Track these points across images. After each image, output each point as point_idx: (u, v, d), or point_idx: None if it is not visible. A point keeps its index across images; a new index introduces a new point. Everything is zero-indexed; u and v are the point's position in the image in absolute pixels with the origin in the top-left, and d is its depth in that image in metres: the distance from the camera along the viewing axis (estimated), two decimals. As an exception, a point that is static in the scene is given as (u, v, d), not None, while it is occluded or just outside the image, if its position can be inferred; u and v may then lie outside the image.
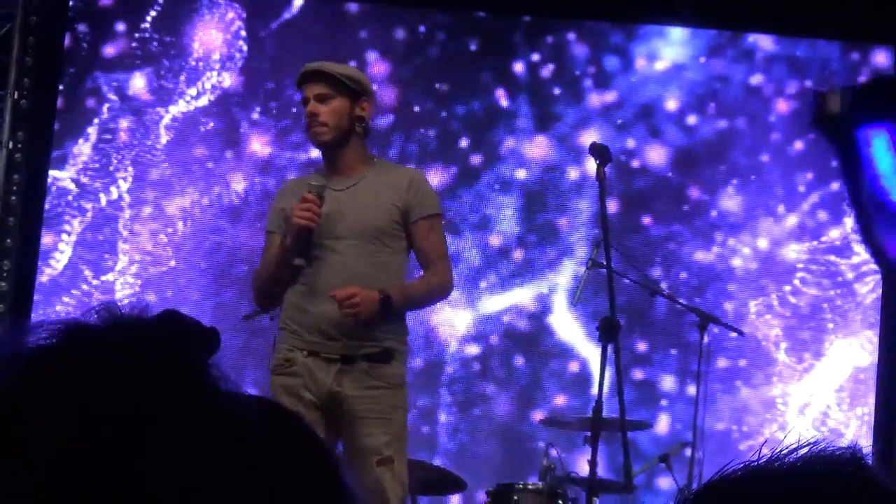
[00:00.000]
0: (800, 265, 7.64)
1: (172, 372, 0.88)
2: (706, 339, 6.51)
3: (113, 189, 7.69)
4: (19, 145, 7.40)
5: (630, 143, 7.73)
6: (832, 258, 7.62)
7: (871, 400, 7.42)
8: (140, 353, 0.89)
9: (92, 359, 0.87)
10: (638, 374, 7.55)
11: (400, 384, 4.85)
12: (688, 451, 6.43)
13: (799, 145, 7.71)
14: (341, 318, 4.73)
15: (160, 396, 0.87)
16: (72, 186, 7.64)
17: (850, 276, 7.60)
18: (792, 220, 7.67)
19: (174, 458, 0.86)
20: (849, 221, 7.53)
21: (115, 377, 0.86)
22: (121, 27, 7.79)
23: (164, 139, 7.72)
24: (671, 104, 7.76)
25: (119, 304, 0.93)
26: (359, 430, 4.73)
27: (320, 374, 4.77)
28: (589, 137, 7.06)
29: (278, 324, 5.01)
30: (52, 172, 7.58)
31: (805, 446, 1.03)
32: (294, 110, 7.57)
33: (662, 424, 7.48)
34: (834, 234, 7.64)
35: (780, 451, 1.04)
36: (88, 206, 7.67)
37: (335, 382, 4.75)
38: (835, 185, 7.65)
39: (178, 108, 7.75)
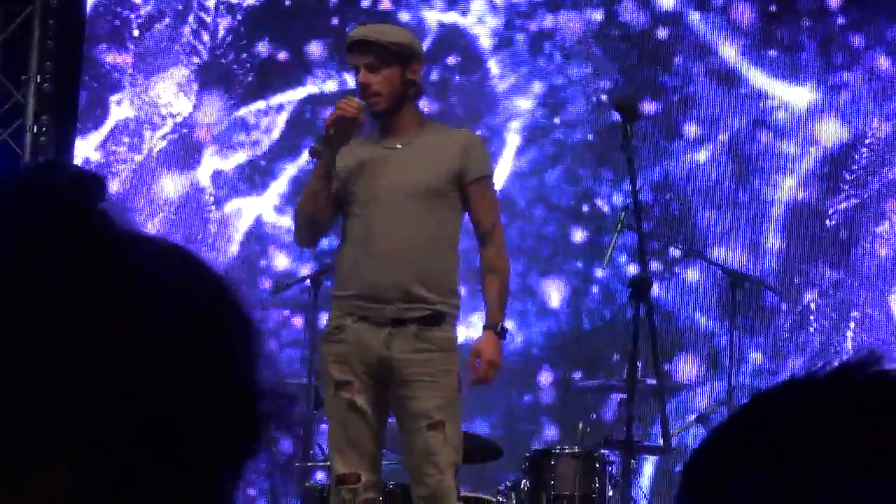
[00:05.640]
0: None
1: (57, 218, 0.85)
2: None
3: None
4: (44, 129, 7.40)
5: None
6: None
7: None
8: (21, 201, 0.85)
9: None
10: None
11: (451, 348, 4.77)
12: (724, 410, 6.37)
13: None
14: (393, 279, 4.68)
15: (47, 240, 0.83)
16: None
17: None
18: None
19: (66, 307, 0.82)
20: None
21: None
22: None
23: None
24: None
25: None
26: (408, 393, 4.67)
27: (370, 339, 4.70)
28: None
29: (330, 291, 4.97)
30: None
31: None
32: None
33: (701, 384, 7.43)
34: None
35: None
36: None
37: (384, 346, 4.69)
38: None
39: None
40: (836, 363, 0.87)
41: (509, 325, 5.13)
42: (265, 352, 0.92)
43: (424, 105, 5.58)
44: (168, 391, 0.85)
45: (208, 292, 0.91)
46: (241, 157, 7.88)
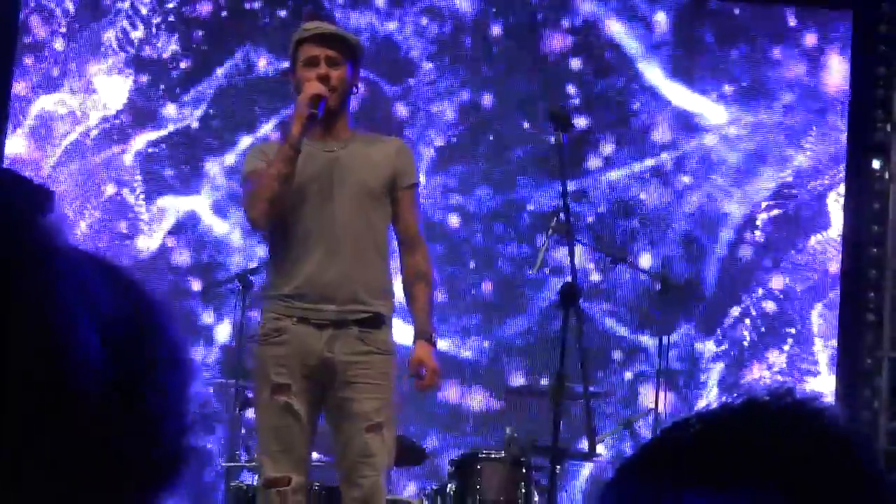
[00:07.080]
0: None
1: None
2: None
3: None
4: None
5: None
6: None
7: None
8: None
9: None
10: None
11: (391, 351, 4.78)
12: (651, 418, 6.43)
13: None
14: (338, 278, 4.68)
15: None
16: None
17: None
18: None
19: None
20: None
21: None
22: None
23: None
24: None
25: None
26: (349, 395, 4.65)
27: (311, 341, 4.68)
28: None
29: (262, 291, 4.92)
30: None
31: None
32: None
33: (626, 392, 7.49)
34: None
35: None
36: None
37: (327, 348, 4.68)
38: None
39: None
40: (750, 394, 0.99)
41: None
42: (195, 380, 0.92)
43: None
44: (87, 409, 0.84)
45: (138, 314, 0.90)
46: (171, 149, 7.82)
